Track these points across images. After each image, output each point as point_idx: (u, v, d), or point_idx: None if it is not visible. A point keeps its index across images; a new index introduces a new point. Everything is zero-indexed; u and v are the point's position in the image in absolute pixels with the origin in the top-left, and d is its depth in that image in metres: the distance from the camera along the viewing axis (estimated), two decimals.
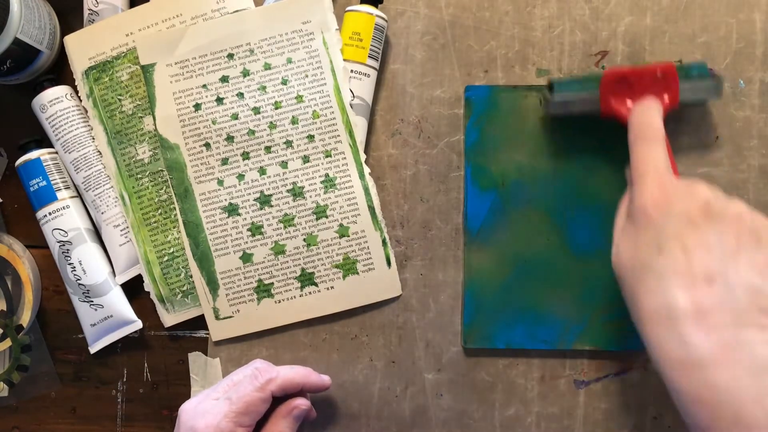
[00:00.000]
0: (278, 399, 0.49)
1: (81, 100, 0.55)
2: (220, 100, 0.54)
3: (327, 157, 0.54)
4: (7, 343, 0.54)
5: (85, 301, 0.54)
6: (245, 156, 0.54)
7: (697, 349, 0.37)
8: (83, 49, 0.54)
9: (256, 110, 0.53)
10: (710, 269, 0.38)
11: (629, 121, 0.47)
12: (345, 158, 0.54)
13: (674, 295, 0.38)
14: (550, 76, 0.52)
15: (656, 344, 0.39)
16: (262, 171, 0.54)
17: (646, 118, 0.46)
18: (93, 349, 0.54)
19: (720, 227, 0.39)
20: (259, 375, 0.48)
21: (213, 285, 0.54)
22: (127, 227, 0.54)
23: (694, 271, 0.38)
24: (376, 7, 0.53)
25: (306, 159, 0.54)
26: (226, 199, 0.54)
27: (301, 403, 0.49)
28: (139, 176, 0.54)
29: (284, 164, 0.54)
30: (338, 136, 0.53)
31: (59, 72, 0.56)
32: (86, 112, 0.55)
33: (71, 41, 0.55)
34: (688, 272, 0.38)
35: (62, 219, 0.54)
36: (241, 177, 0.54)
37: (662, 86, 0.49)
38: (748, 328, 0.37)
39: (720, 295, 0.37)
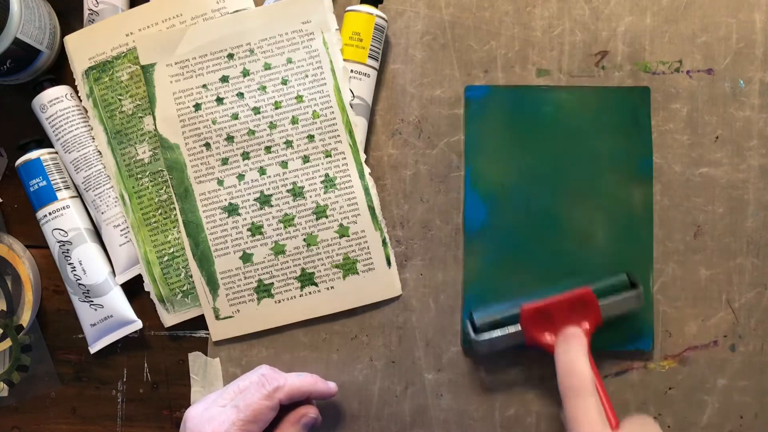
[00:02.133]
0: (285, 406, 0.48)
1: (81, 100, 0.55)
2: (220, 100, 0.54)
3: (327, 157, 0.54)
4: (7, 343, 0.54)
5: (85, 301, 0.54)
6: (245, 156, 0.54)
7: None
8: (83, 49, 0.54)
9: (256, 110, 0.53)
10: None
11: (556, 364, 0.47)
12: (345, 158, 0.54)
13: None
14: (471, 312, 0.52)
15: None
16: (262, 171, 0.54)
17: (570, 364, 0.46)
18: (93, 349, 0.54)
19: None
20: (267, 383, 0.47)
21: (213, 285, 0.54)
22: (127, 227, 0.54)
23: None
24: (376, 7, 0.53)
25: (306, 159, 0.54)
26: (226, 199, 0.54)
27: (310, 411, 0.49)
28: (139, 176, 0.54)
29: (284, 164, 0.54)
30: (338, 136, 0.53)
31: (59, 72, 0.56)
32: (86, 112, 0.55)
33: (71, 41, 0.55)
34: None
35: (62, 219, 0.54)
36: (241, 177, 0.54)
37: (582, 311, 0.49)
38: None
39: None
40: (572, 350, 0.47)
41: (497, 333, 0.50)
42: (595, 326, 0.49)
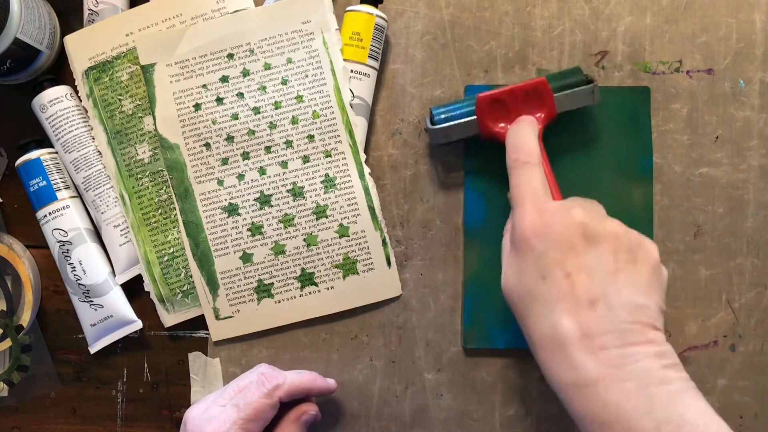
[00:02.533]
0: (284, 403, 0.49)
1: (81, 100, 0.55)
2: (220, 100, 0.54)
3: (327, 157, 0.54)
4: (7, 343, 0.54)
5: (85, 301, 0.54)
6: (245, 156, 0.54)
7: (586, 371, 0.38)
8: (83, 49, 0.54)
9: (256, 110, 0.53)
10: (592, 292, 0.39)
11: (506, 144, 0.47)
12: (345, 158, 0.54)
13: (560, 320, 0.39)
14: (432, 108, 0.52)
15: (548, 369, 0.40)
16: (262, 171, 0.54)
17: (519, 139, 0.46)
18: (93, 349, 0.54)
19: (598, 249, 0.41)
20: (266, 381, 0.47)
21: (213, 285, 0.54)
22: (127, 227, 0.54)
23: (577, 295, 0.39)
24: (376, 7, 0.53)
25: (306, 159, 0.54)
26: (226, 199, 0.54)
27: (310, 408, 0.49)
28: (139, 176, 0.54)
29: (284, 164, 0.54)
30: (338, 136, 0.53)
31: (59, 72, 0.56)
32: (86, 112, 0.55)
33: (71, 41, 0.55)
34: (571, 297, 0.40)
35: (62, 219, 0.54)
36: (241, 177, 0.54)
37: (536, 102, 0.49)
38: (633, 345, 0.38)
39: (603, 316, 0.39)
40: (523, 130, 0.47)
41: (453, 122, 0.50)
42: (549, 118, 0.49)
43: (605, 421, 0.38)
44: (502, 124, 0.50)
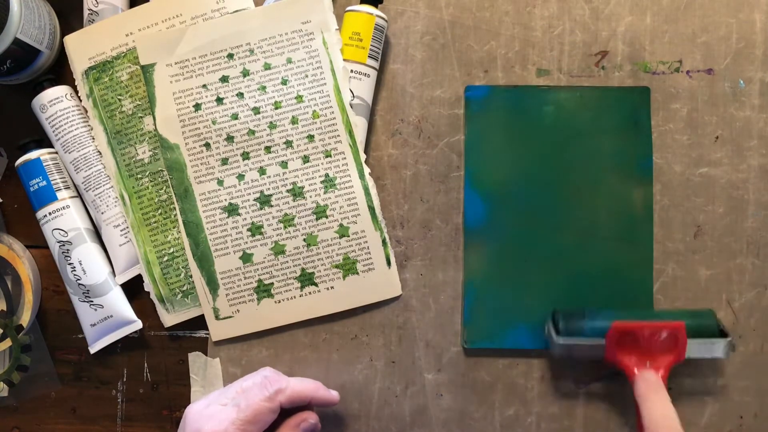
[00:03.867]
0: (284, 409, 0.48)
1: (81, 100, 0.55)
2: (220, 100, 0.54)
3: (327, 157, 0.54)
4: (7, 343, 0.54)
5: (85, 301, 0.54)
6: (245, 156, 0.54)
7: None
8: (83, 49, 0.54)
9: (256, 110, 0.53)
10: None
11: (642, 404, 0.47)
12: (345, 158, 0.54)
13: None
14: (555, 311, 0.51)
15: None
16: (262, 171, 0.54)
17: (666, 411, 0.46)
18: (93, 349, 0.54)
19: None
20: (269, 384, 0.47)
21: (213, 285, 0.54)
22: (127, 227, 0.54)
23: None
24: (376, 7, 0.53)
25: (306, 159, 0.54)
26: (226, 199, 0.54)
27: (310, 416, 0.49)
28: (139, 176, 0.54)
29: (284, 164, 0.54)
30: (338, 136, 0.53)
31: (59, 72, 0.56)
32: (86, 112, 0.55)
33: (71, 41, 0.55)
34: None
35: (62, 219, 0.54)
36: (241, 177, 0.54)
37: (670, 344, 0.49)
38: None
39: None
40: (664, 397, 0.47)
41: (579, 341, 0.49)
42: (676, 362, 0.49)
43: None
44: (630, 357, 0.49)
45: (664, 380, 0.48)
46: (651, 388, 0.47)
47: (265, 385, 0.47)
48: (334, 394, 0.50)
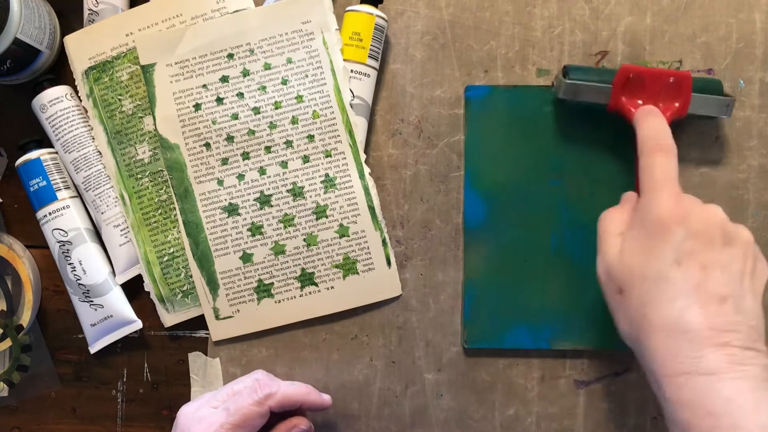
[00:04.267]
0: (276, 413, 0.48)
1: (81, 100, 0.55)
2: (220, 100, 0.54)
3: (327, 157, 0.54)
4: (7, 343, 0.54)
5: (85, 301, 0.54)
6: (245, 156, 0.54)
7: (707, 362, 0.39)
8: (83, 49, 0.54)
9: (256, 110, 0.53)
10: (723, 290, 0.41)
11: (638, 127, 0.47)
12: (345, 158, 0.54)
13: (691, 309, 0.40)
14: (565, 65, 0.52)
15: (663, 354, 0.41)
16: (262, 171, 0.54)
17: (661, 128, 0.47)
18: (93, 349, 0.54)
19: (732, 249, 0.42)
20: (259, 388, 0.47)
21: (213, 285, 0.54)
22: (127, 227, 0.54)
23: (710, 289, 0.41)
24: (376, 7, 0.53)
25: (306, 159, 0.54)
26: (226, 199, 0.54)
27: (302, 423, 0.49)
28: (139, 176, 0.54)
29: (284, 164, 0.54)
30: (338, 136, 0.53)
31: (59, 72, 0.56)
32: (86, 112, 0.55)
33: (71, 41, 0.55)
34: (704, 289, 0.41)
35: (62, 219, 0.54)
36: (241, 177, 0.54)
37: (674, 93, 0.49)
38: (751, 350, 0.40)
39: (731, 315, 0.40)
40: (662, 120, 0.47)
41: (587, 82, 0.50)
42: (678, 115, 0.49)
43: (713, 411, 0.38)
44: (634, 102, 0.49)
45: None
46: (648, 113, 0.48)
47: (256, 389, 0.47)
48: (326, 399, 0.50)
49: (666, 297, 0.41)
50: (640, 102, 0.49)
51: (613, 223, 0.46)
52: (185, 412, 0.47)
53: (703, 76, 0.53)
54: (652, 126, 0.47)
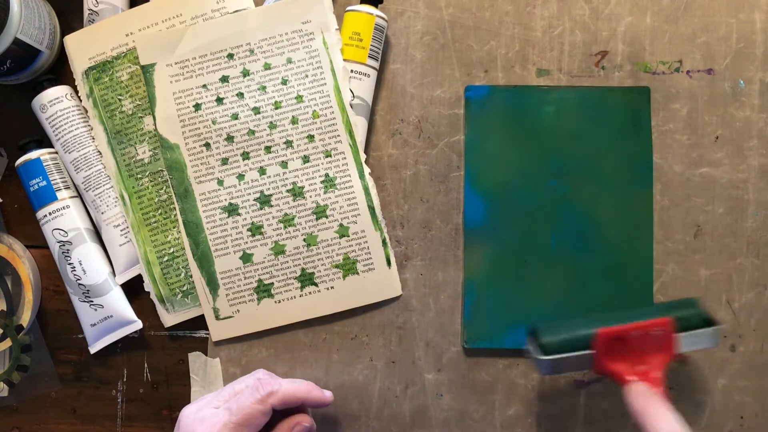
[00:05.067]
0: (278, 411, 0.48)
1: (81, 100, 0.55)
2: (220, 100, 0.54)
3: (327, 157, 0.54)
4: (7, 343, 0.54)
5: (85, 301, 0.54)
6: (245, 156, 0.54)
7: None
8: (83, 49, 0.54)
9: (256, 110, 0.53)
10: None
11: (640, 417, 0.44)
12: (345, 158, 0.54)
13: None
14: (536, 328, 0.48)
15: None
16: (262, 171, 0.54)
17: (671, 424, 0.43)
18: (93, 349, 0.54)
19: None
20: (261, 387, 0.47)
21: (213, 285, 0.54)
22: (127, 227, 0.54)
23: None
24: (376, 7, 0.53)
25: (306, 159, 0.54)
26: (226, 199, 0.54)
27: (304, 420, 0.49)
28: (139, 176, 0.54)
29: (284, 164, 0.54)
30: (338, 136, 0.53)
31: (59, 72, 0.56)
32: (86, 112, 0.55)
33: (71, 41, 0.55)
34: None
35: (62, 219, 0.54)
36: (241, 177, 0.54)
37: (659, 341, 0.46)
38: None
39: None
40: (663, 409, 0.44)
41: (566, 354, 0.47)
42: (669, 361, 0.47)
43: None
44: (620, 364, 0.46)
45: (660, 382, 0.46)
46: (648, 403, 0.45)
47: (257, 388, 0.47)
48: (327, 395, 0.50)
49: None
50: (625, 364, 0.46)
51: None
52: (187, 413, 0.47)
53: (684, 311, 0.48)
54: (664, 425, 0.43)
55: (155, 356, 0.56)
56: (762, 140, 0.54)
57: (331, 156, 0.54)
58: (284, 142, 0.53)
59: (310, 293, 0.54)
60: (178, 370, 0.56)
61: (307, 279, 0.54)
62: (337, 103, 0.53)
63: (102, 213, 0.54)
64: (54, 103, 0.54)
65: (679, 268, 0.54)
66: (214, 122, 0.54)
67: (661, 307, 0.49)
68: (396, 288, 0.54)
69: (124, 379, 0.56)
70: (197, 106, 0.54)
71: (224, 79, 0.54)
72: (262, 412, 0.46)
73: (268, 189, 0.54)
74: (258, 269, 0.54)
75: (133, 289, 0.55)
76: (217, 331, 0.54)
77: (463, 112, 0.54)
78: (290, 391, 0.48)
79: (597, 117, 0.54)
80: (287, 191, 0.54)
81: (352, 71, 0.53)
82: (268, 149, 0.54)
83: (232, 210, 0.54)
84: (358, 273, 0.54)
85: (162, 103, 0.54)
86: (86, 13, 0.55)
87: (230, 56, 0.54)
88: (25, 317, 0.54)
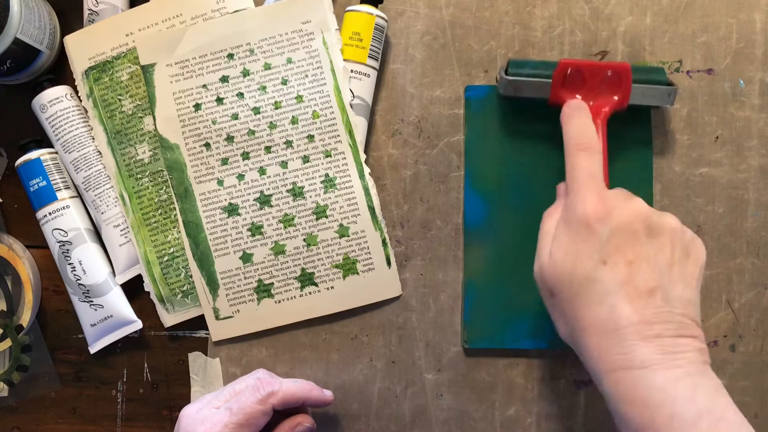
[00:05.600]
0: (279, 410, 0.48)
1: (81, 100, 0.55)
2: (220, 100, 0.54)
3: (327, 157, 0.54)
4: (7, 343, 0.54)
5: (85, 301, 0.54)
6: (245, 156, 0.54)
7: (641, 355, 0.40)
8: (83, 49, 0.54)
9: (256, 110, 0.53)
10: (651, 282, 0.41)
11: (563, 126, 0.47)
12: (345, 158, 0.54)
13: (620, 305, 0.41)
14: (509, 59, 0.52)
15: (597, 352, 0.41)
16: (262, 171, 0.54)
17: (584, 127, 0.47)
18: (93, 349, 0.54)
19: (658, 240, 0.42)
20: (261, 387, 0.47)
21: (213, 285, 0.54)
22: (127, 227, 0.54)
23: (637, 283, 0.41)
24: (376, 7, 0.53)
25: (306, 159, 0.54)
26: (226, 199, 0.54)
27: (305, 420, 0.49)
28: (139, 176, 0.54)
29: (284, 164, 0.54)
30: (338, 136, 0.53)
31: (59, 72, 0.56)
32: (86, 112, 0.55)
33: (71, 41, 0.55)
34: (631, 284, 0.41)
35: (62, 219, 0.54)
36: (241, 177, 0.54)
37: (614, 85, 0.49)
38: (684, 337, 0.40)
39: (660, 306, 0.41)
40: (586, 117, 0.47)
41: (527, 78, 0.50)
42: (619, 106, 0.49)
43: (650, 403, 0.39)
44: (576, 96, 0.49)
45: (604, 121, 0.48)
46: (573, 112, 0.47)
47: (258, 388, 0.47)
48: (328, 394, 0.50)
49: (595, 297, 0.41)
50: (578, 96, 0.49)
51: (547, 222, 0.46)
52: (187, 413, 0.47)
53: (645, 65, 0.52)
54: (576, 125, 0.47)
55: (155, 356, 0.56)
56: (762, 140, 0.54)
57: (331, 156, 0.54)
58: (284, 142, 0.53)
59: (310, 293, 0.54)
60: (178, 370, 0.56)
61: (307, 279, 0.54)
62: (337, 103, 0.53)
63: (102, 213, 0.54)
64: (54, 103, 0.54)
65: None
66: (214, 122, 0.54)
67: (637, 66, 0.51)
68: (396, 288, 0.54)
69: (124, 379, 0.56)
70: (197, 106, 0.54)
71: (224, 79, 0.54)
72: (263, 412, 0.46)
73: (268, 189, 0.54)
74: (258, 269, 0.54)
75: (133, 289, 0.55)
76: (217, 331, 0.54)
77: (463, 112, 0.54)
78: (291, 391, 0.48)
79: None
80: (287, 191, 0.54)
81: (352, 71, 0.53)
82: (268, 149, 0.54)
83: (232, 210, 0.54)
84: (358, 273, 0.54)
85: (162, 103, 0.54)
86: (86, 13, 0.55)
87: (230, 56, 0.54)
88: (25, 317, 0.54)
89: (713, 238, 0.54)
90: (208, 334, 0.55)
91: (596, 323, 0.41)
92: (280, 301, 0.54)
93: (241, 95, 0.54)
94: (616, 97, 0.49)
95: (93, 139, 0.54)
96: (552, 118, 0.54)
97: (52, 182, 0.54)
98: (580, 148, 0.45)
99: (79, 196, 0.55)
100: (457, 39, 0.55)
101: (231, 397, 0.48)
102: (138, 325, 0.54)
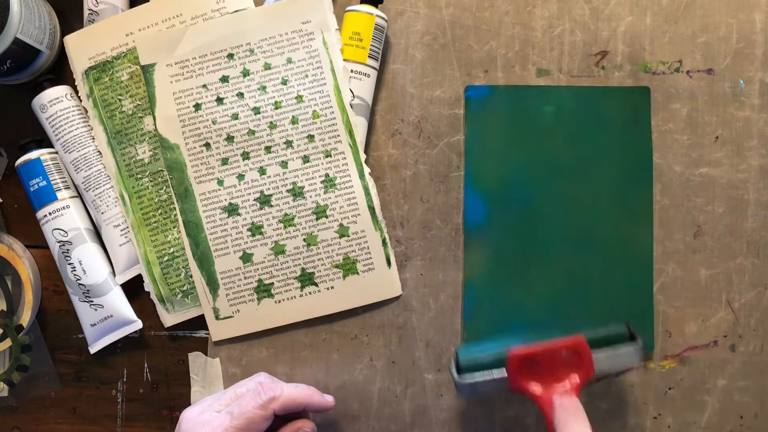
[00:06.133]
0: (280, 415, 0.48)
1: (81, 100, 0.55)
2: (220, 100, 0.54)
3: (327, 157, 0.54)
4: (7, 343, 0.54)
5: (85, 301, 0.54)
6: (245, 156, 0.54)
7: None
8: (83, 49, 0.54)
9: (256, 110, 0.53)
10: None
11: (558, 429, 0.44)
12: (345, 158, 0.54)
13: None
14: (458, 348, 0.49)
15: None
16: (262, 171, 0.54)
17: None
18: (93, 349, 0.54)
19: None
20: (263, 392, 0.47)
21: (213, 285, 0.54)
22: (127, 227, 0.54)
23: None
24: (376, 7, 0.53)
25: (306, 159, 0.54)
26: (226, 199, 0.54)
27: (306, 425, 0.49)
28: (139, 176, 0.54)
29: (284, 164, 0.54)
30: (338, 136, 0.53)
31: (59, 72, 0.56)
32: (86, 112, 0.55)
33: (71, 41, 0.55)
34: None
35: (62, 219, 0.54)
36: (241, 177, 0.54)
37: (574, 362, 0.46)
38: None
39: None
40: (582, 425, 0.44)
41: (481, 377, 0.47)
42: (586, 378, 0.46)
43: None
44: (536, 385, 0.46)
45: (578, 392, 0.46)
46: (570, 416, 0.45)
47: (259, 393, 0.47)
48: (329, 400, 0.50)
49: None
50: (539, 384, 0.46)
51: None
52: (188, 416, 0.47)
53: (601, 326, 0.48)
54: None
55: (155, 356, 0.56)
56: (762, 140, 0.54)
57: (331, 156, 0.54)
58: (284, 142, 0.53)
59: (310, 293, 0.54)
60: (178, 370, 0.56)
61: (307, 279, 0.54)
62: (337, 103, 0.53)
63: (102, 213, 0.54)
64: (54, 103, 0.54)
65: (679, 268, 0.54)
66: (214, 122, 0.54)
67: (593, 330, 0.48)
68: (396, 288, 0.54)
69: (124, 379, 0.56)
70: (197, 106, 0.54)
71: (224, 79, 0.54)
72: (264, 417, 0.46)
73: (268, 189, 0.54)
74: (258, 269, 0.54)
75: (133, 289, 0.55)
76: (217, 331, 0.54)
77: (463, 112, 0.54)
78: (292, 396, 0.48)
79: (597, 117, 0.54)
80: (287, 191, 0.54)
81: (352, 71, 0.53)
82: (268, 149, 0.54)
83: (232, 210, 0.54)
84: (358, 273, 0.54)
85: (162, 103, 0.54)
86: (86, 13, 0.55)
87: (230, 56, 0.54)
88: (25, 317, 0.54)
89: (713, 238, 0.54)
90: (208, 334, 0.55)
91: None
92: (280, 301, 0.54)
93: (241, 95, 0.54)
94: (578, 374, 0.46)
95: (93, 139, 0.54)
96: (552, 118, 0.54)
97: (52, 182, 0.54)
98: None
99: (79, 196, 0.55)
100: (457, 39, 0.55)
101: (232, 401, 0.47)
102: (138, 325, 0.54)
